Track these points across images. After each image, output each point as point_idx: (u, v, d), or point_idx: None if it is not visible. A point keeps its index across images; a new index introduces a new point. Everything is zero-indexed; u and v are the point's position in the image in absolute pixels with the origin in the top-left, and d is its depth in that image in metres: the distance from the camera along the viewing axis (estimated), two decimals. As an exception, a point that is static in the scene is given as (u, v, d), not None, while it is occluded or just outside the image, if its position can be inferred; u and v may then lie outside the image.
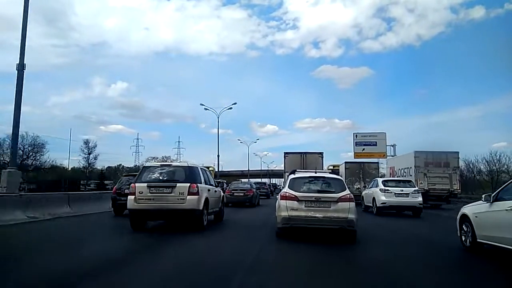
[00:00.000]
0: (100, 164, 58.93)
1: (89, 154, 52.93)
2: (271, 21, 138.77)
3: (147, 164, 9.90)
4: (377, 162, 26.97)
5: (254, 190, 20.27)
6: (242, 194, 19.16)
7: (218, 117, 42.61)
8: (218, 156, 44.25)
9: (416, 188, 15.56)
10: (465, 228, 6.99)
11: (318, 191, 7.66)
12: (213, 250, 6.81)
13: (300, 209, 7.42)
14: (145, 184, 8.60)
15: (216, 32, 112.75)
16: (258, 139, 75.77)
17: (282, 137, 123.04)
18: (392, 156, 33.73)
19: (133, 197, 8.53)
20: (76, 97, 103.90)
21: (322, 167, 21.18)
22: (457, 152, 21.13)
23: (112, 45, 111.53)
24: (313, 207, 7.41)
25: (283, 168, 24.61)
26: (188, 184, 8.50)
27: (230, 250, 6.80)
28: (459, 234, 7.29)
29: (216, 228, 9.72)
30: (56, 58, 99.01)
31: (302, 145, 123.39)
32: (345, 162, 25.14)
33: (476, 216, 6.63)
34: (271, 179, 70.89)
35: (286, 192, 7.75)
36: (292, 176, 8.42)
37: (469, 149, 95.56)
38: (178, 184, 8.52)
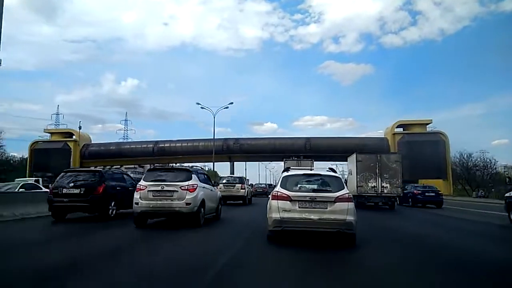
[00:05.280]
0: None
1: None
2: (296, 13, 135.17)
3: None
4: (397, 153, 21.74)
5: (267, 187, 37.33)
6: (261, 190, 36.11)
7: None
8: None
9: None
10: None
11: (314, 190, 6.93)
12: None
13: (293, 210, 6.73)
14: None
15: (236, 26, 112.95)
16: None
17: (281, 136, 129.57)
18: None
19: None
20: (83, 95, 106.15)
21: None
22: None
23: (129, 40, 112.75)
24: (307, 208, 6.71)
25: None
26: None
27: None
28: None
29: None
30: (70, 54, 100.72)
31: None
32: (357, 154, 19.30)
33: None
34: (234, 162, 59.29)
35: (277, 192, 7.02)
36: (285, 173, 7.57)
37: (473, 146, 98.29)
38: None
